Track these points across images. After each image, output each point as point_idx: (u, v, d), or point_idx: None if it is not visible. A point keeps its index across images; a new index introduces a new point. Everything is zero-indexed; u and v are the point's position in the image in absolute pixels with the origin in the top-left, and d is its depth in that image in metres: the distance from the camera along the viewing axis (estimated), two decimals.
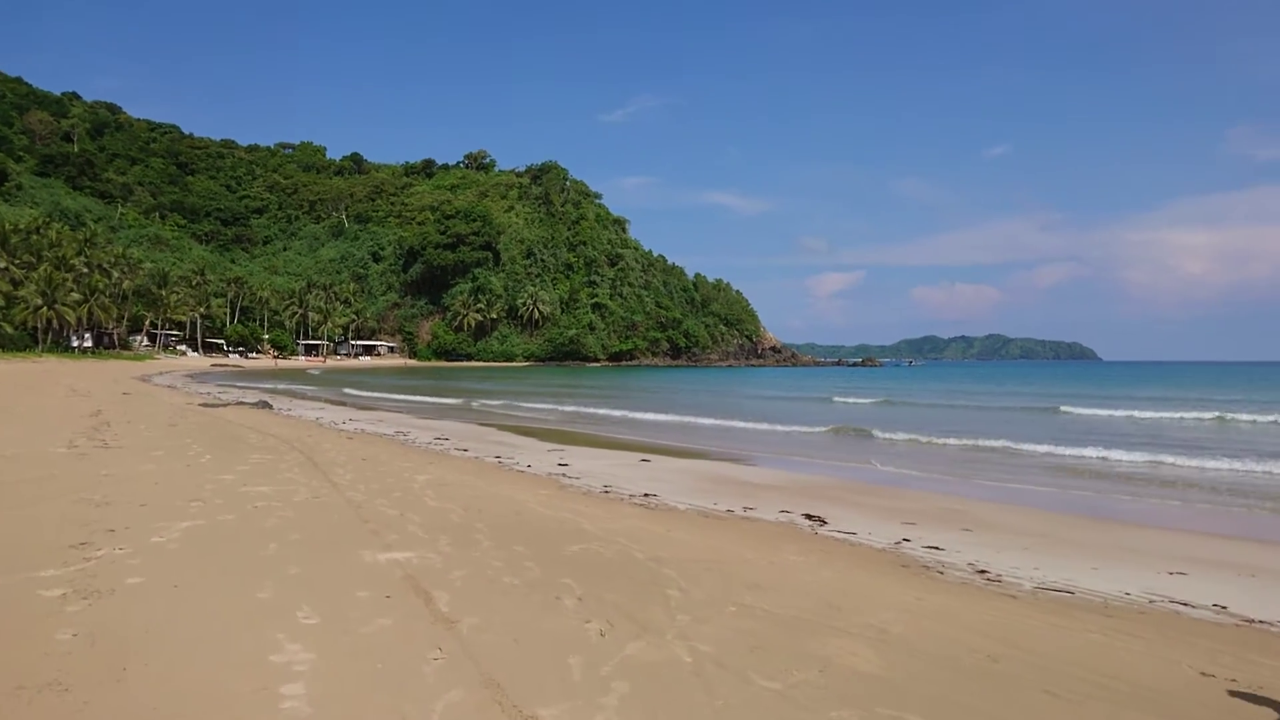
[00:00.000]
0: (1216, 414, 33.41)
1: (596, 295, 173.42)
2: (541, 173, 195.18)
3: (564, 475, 14.48)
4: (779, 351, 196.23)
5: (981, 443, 21.86)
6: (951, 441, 22.29)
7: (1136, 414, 34.14)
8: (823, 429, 26.27)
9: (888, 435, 24.29)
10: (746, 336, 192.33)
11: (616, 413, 33.39)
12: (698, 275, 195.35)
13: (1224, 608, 7.28)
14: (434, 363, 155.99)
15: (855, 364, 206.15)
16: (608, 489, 13.00)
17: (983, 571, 8.31)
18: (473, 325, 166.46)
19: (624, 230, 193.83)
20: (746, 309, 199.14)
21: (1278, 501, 13.62)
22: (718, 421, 29.46)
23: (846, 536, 9.83)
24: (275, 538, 8.17)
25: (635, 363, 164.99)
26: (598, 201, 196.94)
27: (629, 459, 17.71)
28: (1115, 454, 19.56)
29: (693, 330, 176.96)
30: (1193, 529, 11.30)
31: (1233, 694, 5.12)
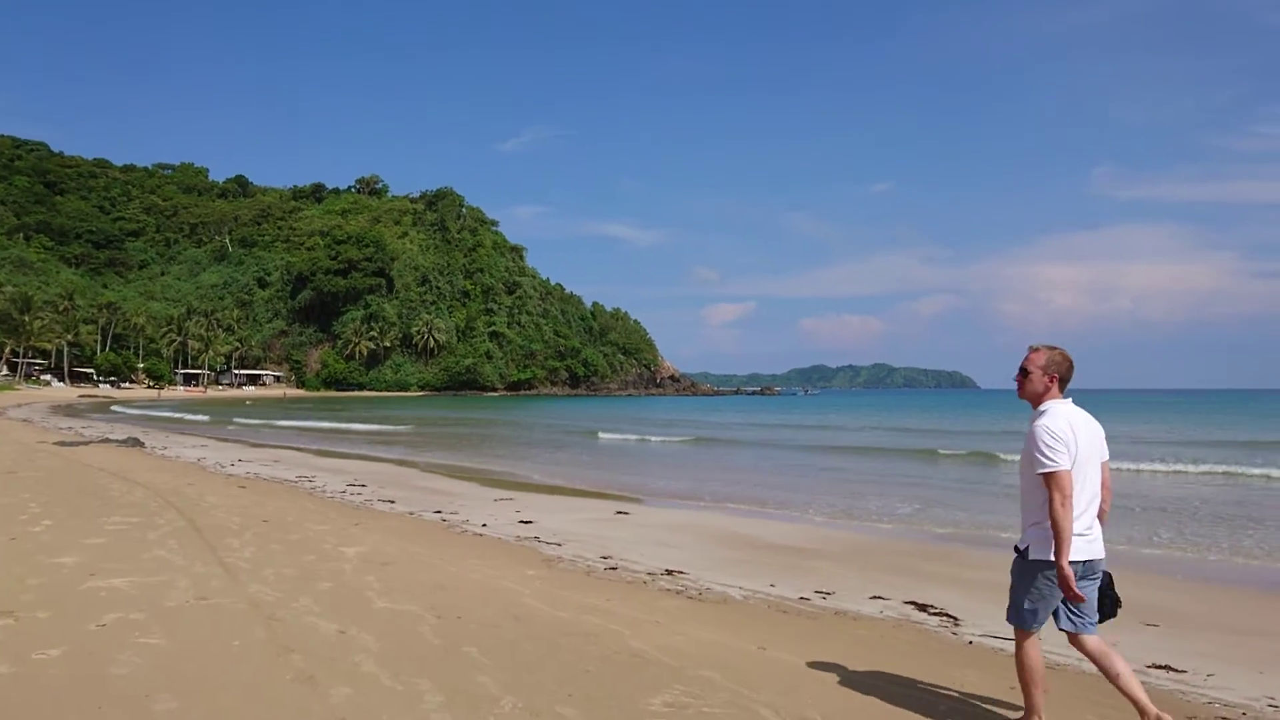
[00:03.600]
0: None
1: (494, 323, 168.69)
2: (437, 199, 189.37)
3: (538, 540, 11.02)
4: (678, 380, 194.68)
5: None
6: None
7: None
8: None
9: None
10: (645, 365, 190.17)
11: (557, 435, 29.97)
12: (595, 304, 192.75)
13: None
14: (324, 392, 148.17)
15: (754, 393, 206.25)
16: (609, 561, 9.64)
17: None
18: (365, 354, 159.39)
19: (521, 258, 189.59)
20: (644, 338, 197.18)
21: None
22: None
23: (999, 646, 6.77)
24: (128, 711, 4.60)
25: (534, 392, 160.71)
26: (494, 229, 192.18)
27: (600, 509, 14.34)
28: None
29: (591, 359, 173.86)
30: None
31: None
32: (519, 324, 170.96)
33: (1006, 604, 4.74)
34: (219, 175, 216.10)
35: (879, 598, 8.24)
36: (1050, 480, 4.30)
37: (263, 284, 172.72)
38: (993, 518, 15.20)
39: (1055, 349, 4.57)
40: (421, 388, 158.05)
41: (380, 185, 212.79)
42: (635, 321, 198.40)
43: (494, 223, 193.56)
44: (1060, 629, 4.60)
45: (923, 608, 7.88)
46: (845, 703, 5.07)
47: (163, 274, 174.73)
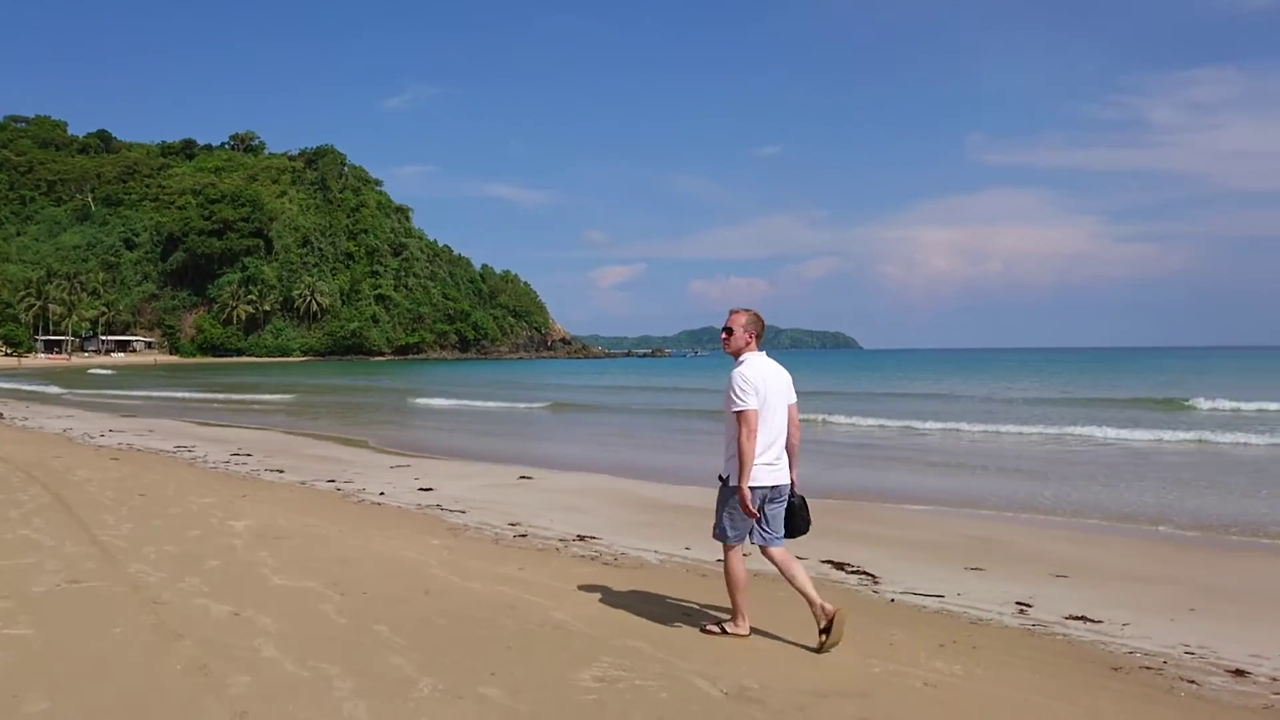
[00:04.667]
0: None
1: (380, 286, 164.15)
2: (317, 157, 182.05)
3: (440, 508, 10.58)
4: (569, 343, 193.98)
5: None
6: None
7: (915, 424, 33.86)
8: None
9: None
10: (536, 329, 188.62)
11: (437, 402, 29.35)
12: (485, 266, 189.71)
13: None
14: (200, 359, 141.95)
15: (644, 355, 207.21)
16: (518, 528, 9.30)
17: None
18: (243, 318, 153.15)
19: (407, 219, 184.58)
20: (535, 301, 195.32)
21: None
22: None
23: (949, 606, 6.77)
24: None
25: (423, 356, 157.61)
26: (379, 189, 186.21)
27: (502, 475, 13.94)
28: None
29: (481, 322, 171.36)
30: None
31: None
32: (406, 287, 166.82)
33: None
34: (79, 129, 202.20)
35: (799, 557, 8.13)
36: (740, 417, 5.14)
37: (130, 245, 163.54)
38: (899, 477, 15.46)
39: (751, 311, 5.44)
40: (304, 353, 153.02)
41: (256, 142, 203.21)
42: (525, 284, 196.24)
43: (378, 182, 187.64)
44: (753, 543, 5.45)
45: (841, 566, 7.83)
46: (780, 668, 4.89)
47: (18, 235, 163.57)
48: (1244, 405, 28.45)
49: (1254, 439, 18.87)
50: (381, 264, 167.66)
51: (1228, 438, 19.13)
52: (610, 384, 58.78)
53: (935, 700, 4.49)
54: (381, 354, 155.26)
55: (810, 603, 5.28)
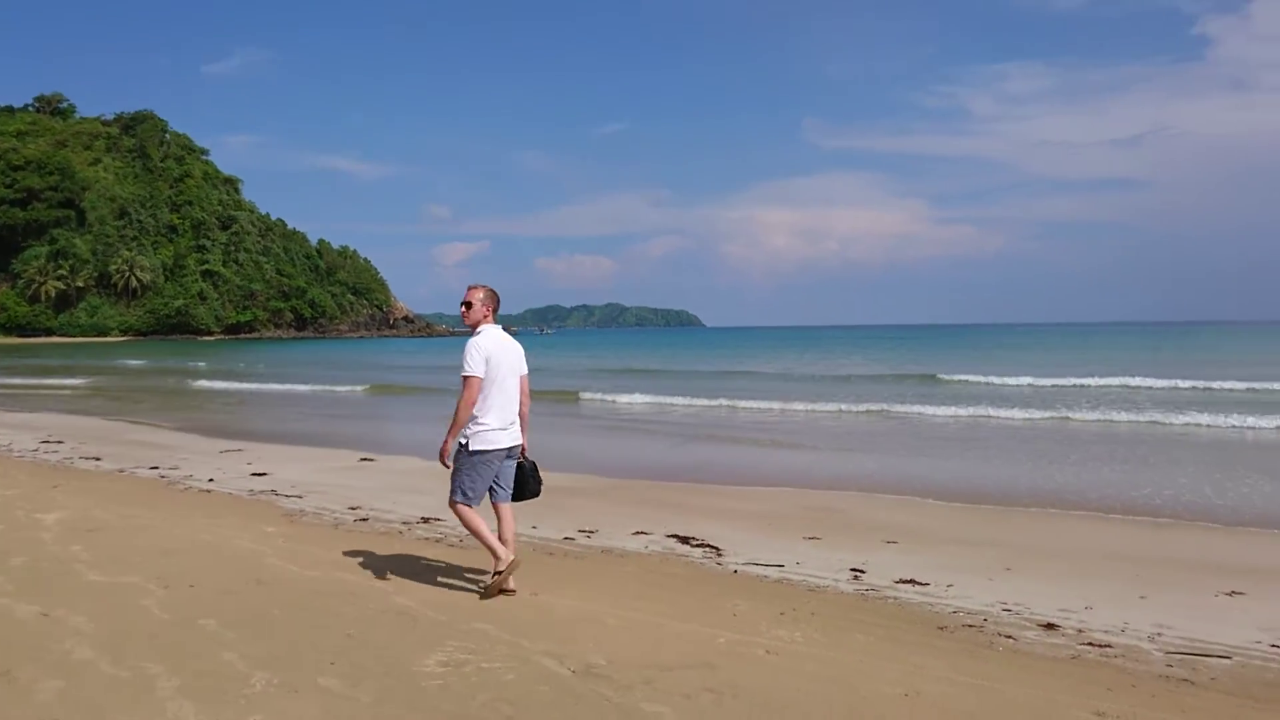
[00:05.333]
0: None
1: (207, 262, 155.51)
2: (135, 122, 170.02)
3: (275, 493, 10.13)
4: (412, 321, 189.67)
5: None
6: None
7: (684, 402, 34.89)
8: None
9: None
10: (377, 306, 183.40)
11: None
12: (321, 242, 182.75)
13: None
14: (3, 339, 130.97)
15: None
16: (359, 512, 9.00)
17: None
18: (53, 295, 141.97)
19: (236, 191, 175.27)
20: (375, 278, 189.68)
21: None
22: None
23: (804, 578, 6.98)
24: None
25: (255, 335, 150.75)
26: (205, 158, 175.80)
27: (341, 458, 13.48)
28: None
29: (319, 300, 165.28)
30: None
31: None
32: (236, 262, 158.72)
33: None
34: None
35: (642, 533, 8.23)
36: (464, 382, 5.58)
37: None
38: (748, 451, 15.86)
39: (488, 287, 5.84)
40: (124, 332, 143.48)
41: (65, 105, 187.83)
42: (365, 260, 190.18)
43: (204, 151, 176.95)
44: (494, 501, 5.88)
45: (685, 540, 7.95)
46: (626, 643, 4.93)
47: None
48: (1010, 380, 30.32)
49: (1037, 414, 20.16)
50: (209, 238, 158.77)
51: (1003, 413, 20.13)
52: (449, 364, 57.35)
53: (777, 667, 4.62)
54: (210, 333, 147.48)
55: (497, 556, 5.71)
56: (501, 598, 5.76)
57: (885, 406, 21.82)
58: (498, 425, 5.66)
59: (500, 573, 5.68)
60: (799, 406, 22.60)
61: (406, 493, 10.30)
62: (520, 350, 5.89)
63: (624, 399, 25.76)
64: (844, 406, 22.12)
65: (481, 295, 5.79)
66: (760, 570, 6.93)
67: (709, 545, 7.77)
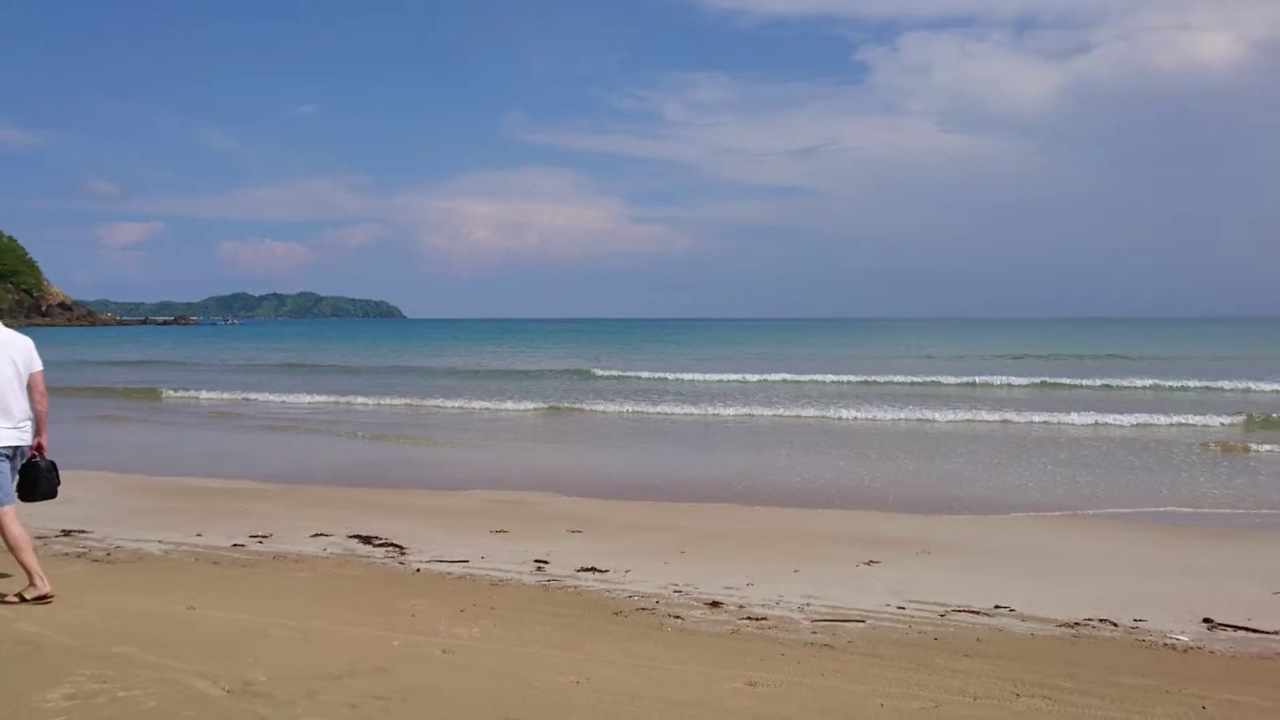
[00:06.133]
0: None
1: None
2: None
3: None
4: (70, 309, 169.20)
5: None
6: None
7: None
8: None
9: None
10: (26, 291, 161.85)
11: None
12: None
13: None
14: None
15: (165, 322, 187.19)
16: None
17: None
18: None
19: None
20: (23, 259, 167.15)
21: None
22: None
23: (489, 572, 6.90)
24: None
25: None
26: None
27: None
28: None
29: None
30: None
31: None
32: None
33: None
34: None
35: (322, 535, 7.85)
36: None
37: None
38: (432, 450, 15.61)
39: None
40: None
41: None
42: (10, 239, 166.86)
43: None
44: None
45: (368, 540, 7.67)
46: (291, 655, 4.64)
47: None
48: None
49: (694, 410, 21.58)
50: None
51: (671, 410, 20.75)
52: (106, 359, 51.21)
53: (452, 666, 4.55)
54: None
55: (28, 571, 5.42)
56: (147, 616, 5.24)
57: (556, 403, 22.14)
58: (6, 425, 5.38)
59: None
60: (478, 405, 22.36)
61: (46, 503, 9.11)
62: (25, 343, 5.55)
63: (283, 399, 24.24)
64: (529, 405, 21.84)
65: None
66: (444, 567, 6.82)
67: (393, 544, 7.55)
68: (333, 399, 23.91)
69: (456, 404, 22.62)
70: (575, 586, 6.36)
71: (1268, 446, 14.13)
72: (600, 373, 33.70)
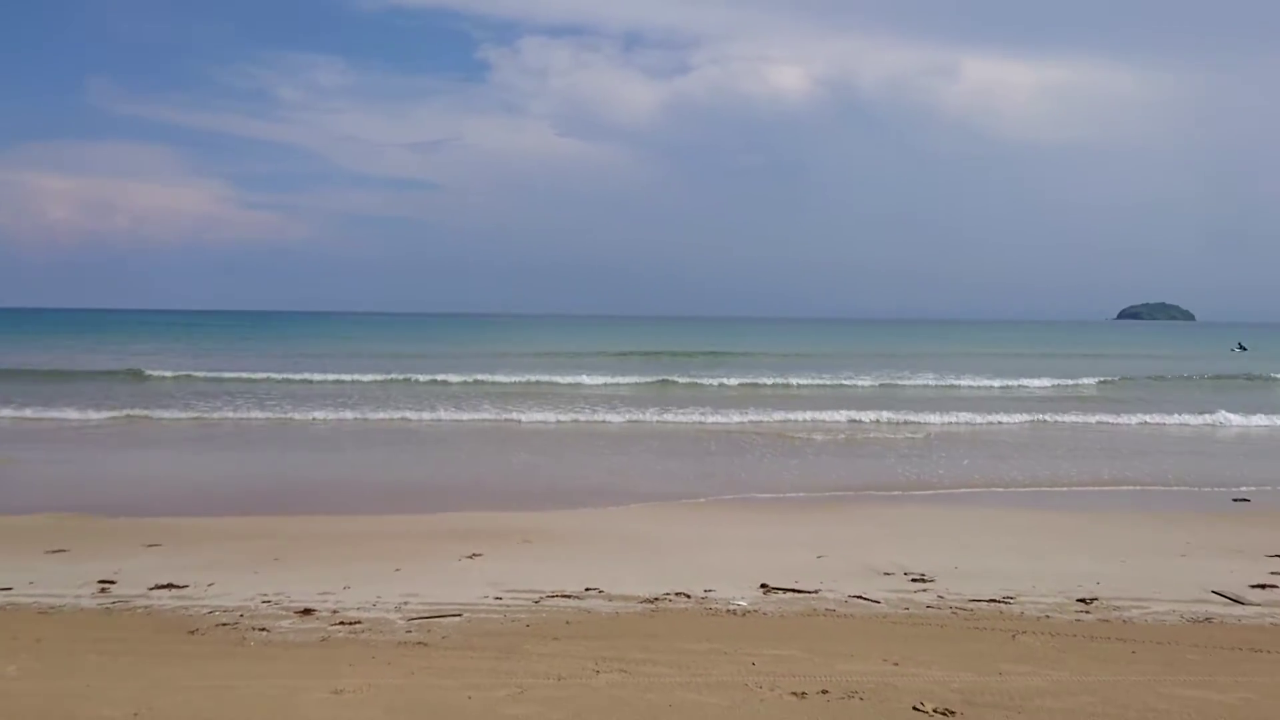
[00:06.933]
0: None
1: None
2: None
3: None
4: None
5: None
6: None
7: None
8: None
9: None
10: None
11: None
12: None
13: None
14: None
15: None
16: None
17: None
18: None
19: None
20: None
21: None
22: None
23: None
24: None
25: None
26: None
27: None
28: None
29: None
30: None
31: None
32: None
33: None
34: None
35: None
36: None
37: None
38: None
39: None
40: None
41: None
42: None
43: None
44: None
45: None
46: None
47: None
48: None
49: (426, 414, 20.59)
50: None
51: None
52: None
53: None
54: None
55: None
56: None
57: (133, 412, 18.95)
58: None
59: None
60: (72, 415, 19.00)
61: None
62: None
63: None
64: (97, 414, 18.71)
65: None
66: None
67: None
68: None
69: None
70: (146, 607, 5.75)
71: (819, 435, 16.41)
72: (152, 373, 28.73)
